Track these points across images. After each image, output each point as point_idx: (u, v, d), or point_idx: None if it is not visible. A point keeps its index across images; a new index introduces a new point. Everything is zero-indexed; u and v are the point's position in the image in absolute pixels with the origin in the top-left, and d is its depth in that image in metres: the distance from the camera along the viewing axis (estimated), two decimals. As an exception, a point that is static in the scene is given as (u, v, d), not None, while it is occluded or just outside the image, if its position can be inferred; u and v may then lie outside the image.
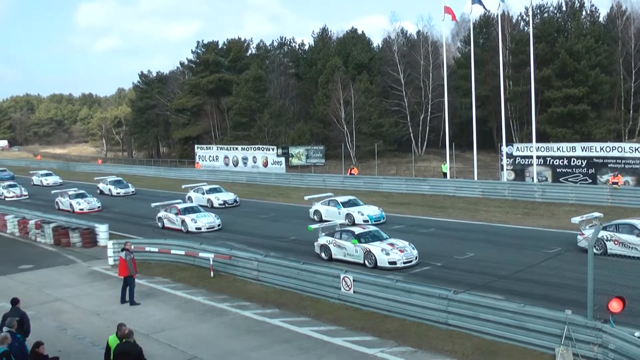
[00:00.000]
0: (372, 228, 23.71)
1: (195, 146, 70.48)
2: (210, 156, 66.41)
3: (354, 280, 17.04)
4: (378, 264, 21.03)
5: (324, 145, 63.12)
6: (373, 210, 30.79)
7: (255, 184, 52.37)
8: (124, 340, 11.08)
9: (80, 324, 16.95)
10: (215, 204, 37.74)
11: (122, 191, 47.27)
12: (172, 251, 23.11)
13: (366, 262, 21.40)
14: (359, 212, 30.39)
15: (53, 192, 43.11)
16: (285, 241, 27.22)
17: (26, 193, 48.17)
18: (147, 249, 23.62)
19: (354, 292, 17.01)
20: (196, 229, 29.88)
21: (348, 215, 30.12)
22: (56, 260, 25.54)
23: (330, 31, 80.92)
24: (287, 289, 18.95)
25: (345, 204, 31.23)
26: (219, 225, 30.57)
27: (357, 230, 22.96)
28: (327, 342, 14.68)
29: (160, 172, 65.38)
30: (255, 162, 60.98)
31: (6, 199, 46.21)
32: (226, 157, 64.32)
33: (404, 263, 21.06)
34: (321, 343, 14.68)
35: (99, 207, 39.23)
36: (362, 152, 62.47)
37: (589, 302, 12.85)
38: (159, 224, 31.72)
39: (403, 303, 15.82)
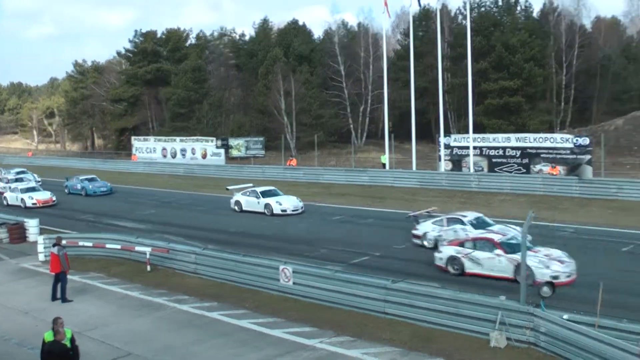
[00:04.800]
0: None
1: (132, 137, 68.71)
2: (147, 148, 64.71)
3: (293, 272, 16.97)
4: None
5: (264, 136, 62.58)
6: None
7: (193, 175, 51.59)
8: (53, 340, 10.47)
9: (7, 323, 16.23)
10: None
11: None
12: (107, 245, 22.45)
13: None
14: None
15: None
16: (225, 233, 26.94)
17: None
18: (81, 243, 22.88)
19: (294, 283, 16.94)
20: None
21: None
22: (-20, 257, 24.32)
23: (271, 22, 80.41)
24: (226, 281, 18.74)
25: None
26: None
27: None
28: (266, 334, 14.56)
29: (95, 165, 63.45)
30: (194, 154, 59.92)
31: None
32: (164, 148, 62.86)
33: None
34: (260, 335, 14.54)
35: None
36: (303, 143, 62.25)
37: (522, 288, 13.19)
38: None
39: (342, 293, 15.84)
